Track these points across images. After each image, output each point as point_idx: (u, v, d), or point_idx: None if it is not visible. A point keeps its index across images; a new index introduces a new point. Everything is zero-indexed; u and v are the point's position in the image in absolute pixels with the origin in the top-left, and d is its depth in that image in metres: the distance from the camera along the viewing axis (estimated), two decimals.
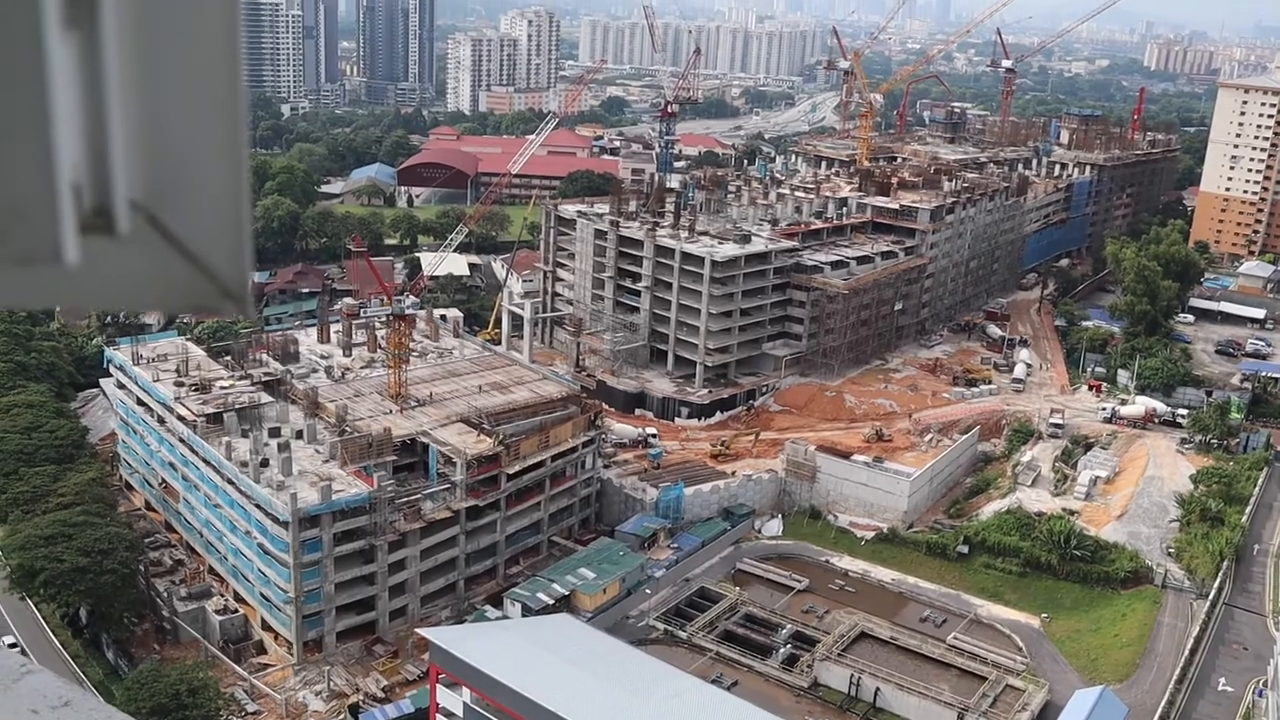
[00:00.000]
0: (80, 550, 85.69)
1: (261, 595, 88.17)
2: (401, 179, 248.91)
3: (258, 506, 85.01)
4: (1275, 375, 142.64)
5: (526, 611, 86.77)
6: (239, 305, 2.27)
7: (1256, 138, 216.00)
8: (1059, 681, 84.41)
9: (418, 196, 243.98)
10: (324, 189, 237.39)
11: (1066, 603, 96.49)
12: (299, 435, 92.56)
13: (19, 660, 4.06)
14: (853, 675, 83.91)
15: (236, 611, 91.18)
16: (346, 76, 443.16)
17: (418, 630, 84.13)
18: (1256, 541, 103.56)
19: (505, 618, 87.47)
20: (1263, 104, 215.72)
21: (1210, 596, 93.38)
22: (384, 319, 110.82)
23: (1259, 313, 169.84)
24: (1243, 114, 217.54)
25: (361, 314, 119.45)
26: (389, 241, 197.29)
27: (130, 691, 76.14)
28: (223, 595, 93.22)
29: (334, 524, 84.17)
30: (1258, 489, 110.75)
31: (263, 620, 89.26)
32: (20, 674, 3.98)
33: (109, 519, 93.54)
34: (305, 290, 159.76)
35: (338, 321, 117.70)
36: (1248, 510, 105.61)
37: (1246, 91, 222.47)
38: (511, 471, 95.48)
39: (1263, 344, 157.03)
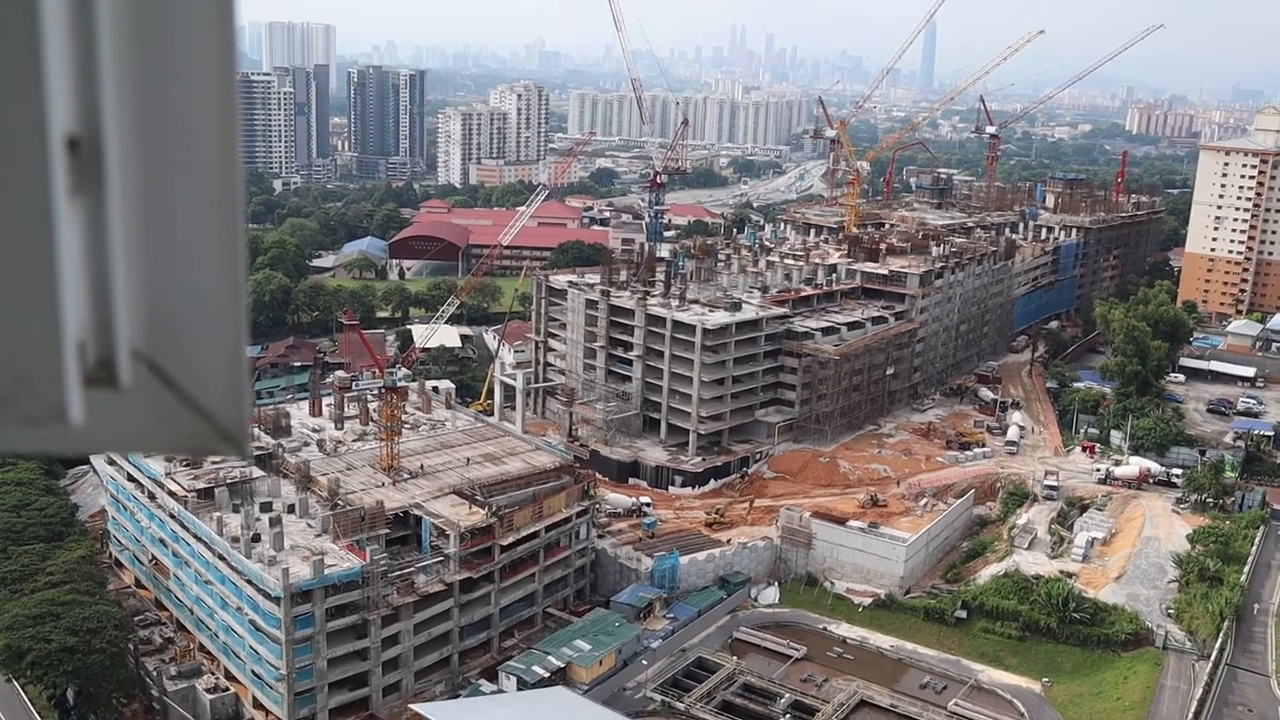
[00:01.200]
0: (68, 629, 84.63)
1: (253, 673, 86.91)
2: (393, 252, 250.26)
3: (249, 582, 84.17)
4: (1268, 433, 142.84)
5: (522, 685, 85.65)
6: (237, 447, 2.29)
7: (1239, 198, 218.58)
8: None
9: (409, 269, 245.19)
10: (315, 263, 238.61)
11: (1067, 666, 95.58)
12: (291, 509, 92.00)
13: None
14: None
15: (228, 690, 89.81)
16: (338, 151, 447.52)
17: (412, 706, 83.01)
18: (1256, 601, 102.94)
19: (500, 691, 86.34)
20: (1244, 165, 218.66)
21: (1212, 658, 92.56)
22: (376, 391, 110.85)
23: (1249, 371, 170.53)
24: (1224, 175, 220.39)
25: (353, 387, 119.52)
26: (381, 314, 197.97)
27: None
28: (213, 673, 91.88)
29: (326, 599, 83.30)
30: (1255, 548, 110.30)
31: (254, 698, 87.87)
32: None
33: (98, 597, 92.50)
34: (297, 364, 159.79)
35: (329, 394, 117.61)
36: (1246, 569, 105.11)
37: (1227, 153, 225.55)
38: (505, 543, 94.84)
39: (1254, 402, 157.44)
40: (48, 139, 1.88)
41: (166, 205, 2.03)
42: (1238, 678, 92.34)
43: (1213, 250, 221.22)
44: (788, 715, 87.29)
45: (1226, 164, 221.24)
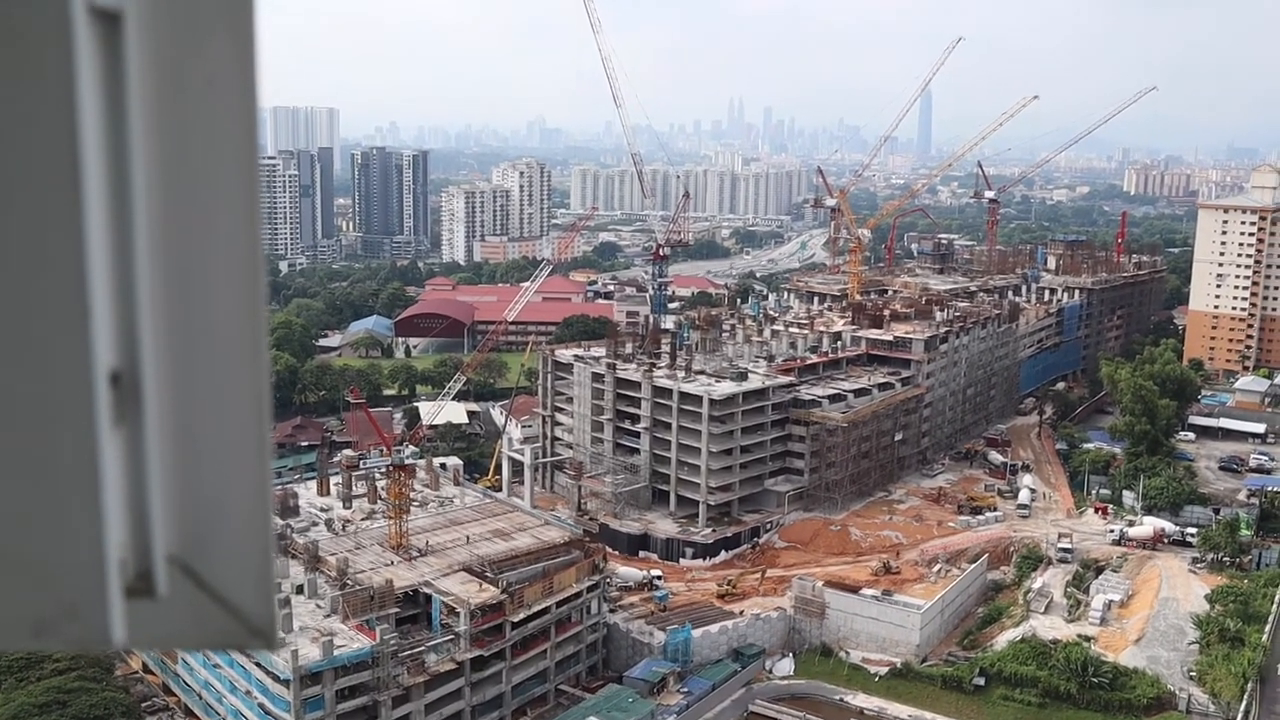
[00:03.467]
0: (75, 717, 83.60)
1: None
2: (399, 330, 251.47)
3: (258, 665, 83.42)
4: None
5: None
6: (267, 642, 2.35)
7: (1240, 255, 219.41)
8: None
9: (415, 347, 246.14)
10: (322, 342, 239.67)
11: None
12: (299, 590, 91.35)
13: None
14: None
15: None
16: (343, 232, 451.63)
17: None
18: (1279, 661, 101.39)
19: None
20: (1243, 222, 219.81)
21: None
22: (384, 469, 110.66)
23: (1259, 427, 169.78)
24: (1224, 233, 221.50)
25: (361, 465, 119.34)
26: (387, 392, 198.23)
27: None
28: None
29: (336, 680, 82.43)
30: (1276, 606, 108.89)
31: None
32: None
33: (105, 684, 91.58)
34: (304, 443, 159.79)
35: (337, 473, 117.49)
36: (1267, 629, 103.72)
37: (1226, 211, 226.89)
38: (516, 620, 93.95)
39: (1266, 458, 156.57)
40: (93, 375, 2.03)
41: (199, 425, 2.19)
42: None
43: (1216, 307, 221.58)
44: None
45: (1226, 221, 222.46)
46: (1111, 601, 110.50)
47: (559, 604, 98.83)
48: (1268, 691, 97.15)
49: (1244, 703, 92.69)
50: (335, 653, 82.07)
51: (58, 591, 2.14)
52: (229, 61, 2.11)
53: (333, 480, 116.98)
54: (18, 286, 2.00)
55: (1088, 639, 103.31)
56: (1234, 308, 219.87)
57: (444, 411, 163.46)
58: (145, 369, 2.12)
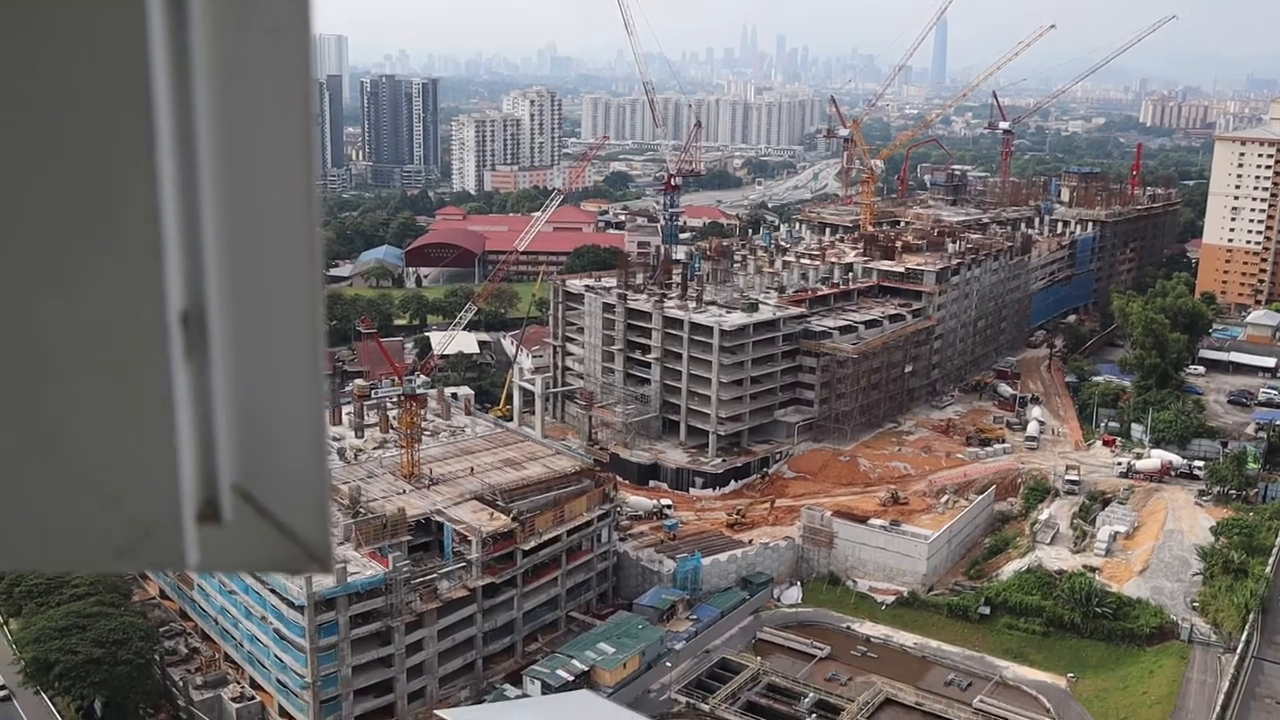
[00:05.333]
0: (95, 641, 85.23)
1: (278, 681, 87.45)
2: (409, 260, 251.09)
3: (273, 591, 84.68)
4: None
5: (546, 689, 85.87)
6: (323, 566, 2.52)
7: (1256, 188, 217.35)
8: None
9: (426, 276, 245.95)
10: (332, 272, 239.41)
11: (1092, 661, 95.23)
12: None
13: None
14: None
15: (253, 698, 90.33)
16: (352, 161, 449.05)
17: (437, 712, 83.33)
18: None
19: (525, 696, 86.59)
20: (1260, 155, 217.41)
21: (1238, 650, 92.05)
22: (395, 399, 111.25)
23: (1269, 361, 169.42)
24: (1240, 165, 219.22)
25: (372, 395, 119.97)
26: (398, 322, 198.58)
27: None
28: (239, 682, 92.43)
29: (350, 607, 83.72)
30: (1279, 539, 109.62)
31: (280, 707, 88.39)
32: None
33: (123, 609, 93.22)
34: None
35: (349, 403, 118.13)
36: (1270, 561, 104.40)
37: (1243, 144, 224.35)
38: (527, 548, 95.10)
39: (1276, 393, 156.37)
40: (168, 316, 2.22)
41: (259, 361, 2.35)
42: (1264, 670, 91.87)
43: (1230, 241, 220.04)
44: (813, 715, 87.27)
45: (1242, 154, 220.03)
46: (1117, 533, 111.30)
47: (570, 532, 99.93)
48: (1269, 622, 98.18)
49: (1245, 633, 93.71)
50: (349, 579, 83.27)
51: (137, 517, 2.31)
52: (289, 13, 2.23)
53: (344, 410, 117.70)
54: (100, 239, 2.20)
55: (1093, 570, 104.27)
56: (1248, 241, 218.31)
57: (455, 341, 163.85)
58: (210, 309, 2.28)
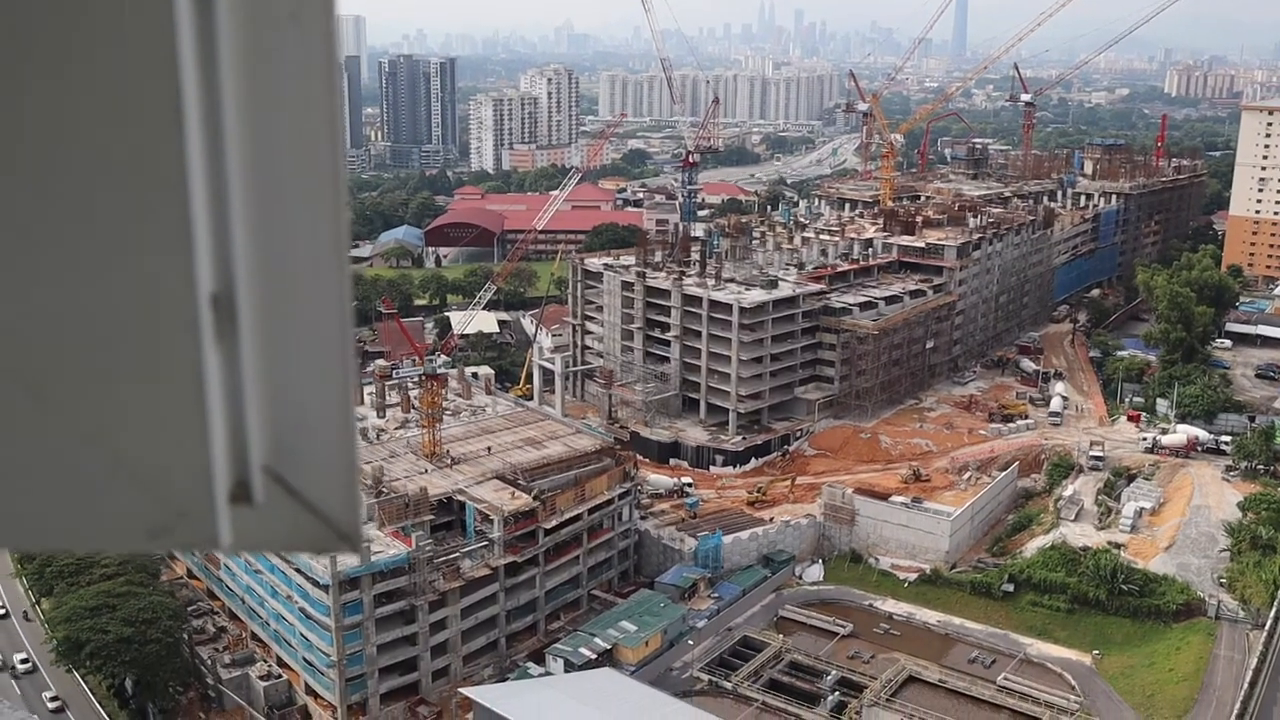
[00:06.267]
0: (124, 621, 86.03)
1: (304, 660, 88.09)
2: (429, 240, 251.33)
3: (298, 571, 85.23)
4: None
5: (569, 667, 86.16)
6: (353, 546, 2.50)
7: None
8: (1114, 719, 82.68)
9: (445, 256, 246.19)
10: (352, 253, 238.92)
11: (1118, 638, 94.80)
12: None
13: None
14: None
15: (280, 677, 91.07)
16: (371, 142, 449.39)
17: (461, 690, 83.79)
18: None
19: (548, 674, 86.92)
20: None
21: (1267, 627, 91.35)
22: (416, 379, 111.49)
23: None
24: (1268, 136, 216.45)
25: (394, 375, 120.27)
26: (418, 302, 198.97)
27: None
28: (266, 661, 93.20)
29: (374, 586, 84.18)
30: None
31: (306, 685, 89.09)
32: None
33: (151, 588, 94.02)
34: None
35: (370, 383, 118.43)
36: None
37: (1270, 113, 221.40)
38: (549, 526, 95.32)
39: None
40: (198, 299, 2.26)
41: (288, 343, 2.36)
42: None
43: (1258, 212, 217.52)
44: (835, 692, 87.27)
45: (1270, 124, 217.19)
46: (1143, 509, 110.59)
47: (591, 511, 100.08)
48: None
49: (1274, 609, 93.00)
50: (373, 559, 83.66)
51: (170, 498, 2.35)
52: None
53: (366, 390, 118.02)
54: (132, 227, 2.23)
55: (1118, 546, 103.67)
56: (1276, 213, 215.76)
57: (475, 321, 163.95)
58: (240, 291, 2.31)
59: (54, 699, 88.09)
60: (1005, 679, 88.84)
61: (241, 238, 2.29)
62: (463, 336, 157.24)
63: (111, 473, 2.32)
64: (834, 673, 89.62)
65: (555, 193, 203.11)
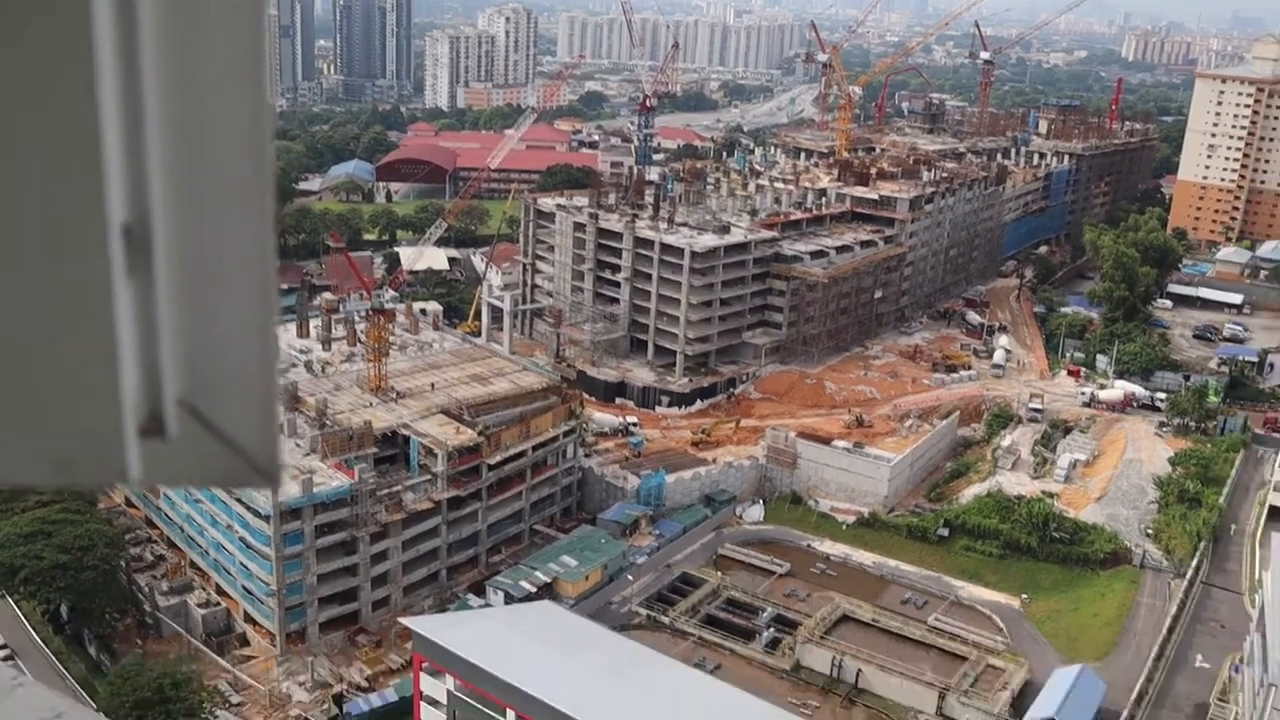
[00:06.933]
0: (60, 547, 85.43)
1: (244, 588, 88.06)
2: (380, 175, 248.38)
3: (239, 500, 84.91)
4: (1252, 359, 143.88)
5: (509, 599, 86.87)
6: (271, 481, 2.47)
7: (1234, 127, 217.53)
8: (1039, 660, 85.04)
9: (396, 192, 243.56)
10: (302, 186, 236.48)
11: (1046, 583, 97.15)
12: (279, 429, 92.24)
13: (10, 673, 4.18)
14: (835, 657, 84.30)
15: (219, 605, 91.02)
16: (323, 75, 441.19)
17: (401, 620, 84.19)
18: (1233, 522, 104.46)
19: (488, 606, 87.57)
20: (1239, 94, 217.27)
21: (1188, 576, 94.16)
22: (363, 313, 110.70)
23: (1236, 298, 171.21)
24: (1220, 103, 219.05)
25: (341, 309, 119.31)
26: (368, 237, 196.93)
27: (114, 686, 75.91)
28: (204, 589, 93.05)
29: (315, 517, 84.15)
30: (1234, 470, 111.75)
31: (245, 613, 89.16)
32: (11, 687, 4.17)
33: (89, 515, 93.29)
34: (284, 286, 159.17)
35: (317, 316, 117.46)
36: (1225, 491, 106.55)
37: (1224, 81, 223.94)
38: (493, 462, 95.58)
39: (1240, 329, 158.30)
40: (109, 229, 2.15)
41: (206, 275, 2.30)
42: (1212, 595, 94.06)
43: (1205, 178, 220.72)
44: (771, 629, 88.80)
45: (1222, 92, 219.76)
46: (1077, 461, 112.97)
47: (535, 448, 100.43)
48: (1219, 550, 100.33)
49: (1195, 560, 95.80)
50: (315, 490, 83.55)
51: (78, 430, 2.27)
52: None
53: (312, 323, 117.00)
54: (38, 150, 2.12)
55: (1051, 495, 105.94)
56: (1223, 179, 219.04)
57: (424, 257, 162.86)
58: (155, 222, 2.22)
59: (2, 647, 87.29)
60: (936, 620, 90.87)
61: (158, 166, 2.19)
62: (412, 272, 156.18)
63: (15, 404, 2.24)
64: (770, 610, 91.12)
65: (510, 132, 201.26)
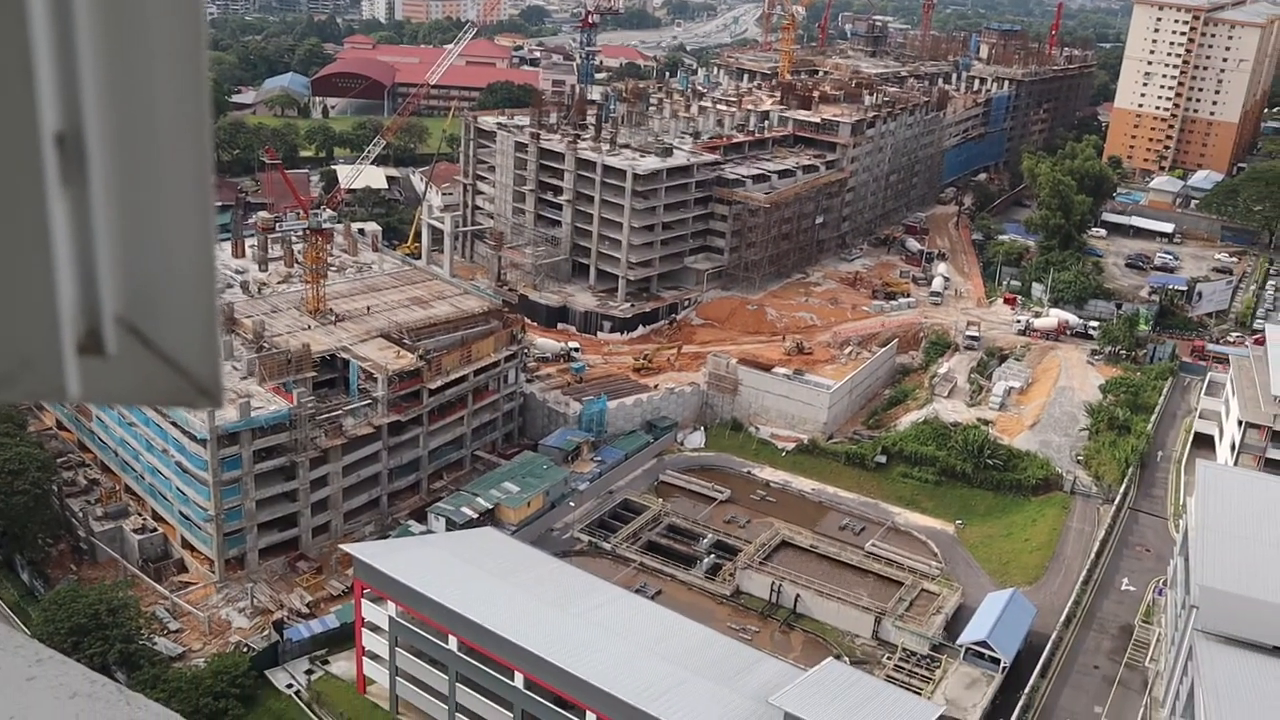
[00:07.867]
0: None
1: (181, 514, 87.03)
2: (316, 89, 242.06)
3: (174, 424, 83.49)
4: (1181, 288, 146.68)
5: (450, 526, 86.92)
6: (213, 400, 2.41)
7: (1169, 55, 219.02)
8: (972, 585, 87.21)
9: (333, 107, 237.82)
10: (235, 99, 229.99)
11: (980, 509, 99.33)
12: None
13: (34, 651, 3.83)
14: (774, 583, 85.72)
15: (155, 530, 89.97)
16: None
17: (341, 546, 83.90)
18: (1160, 449, 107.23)
19: (429, 532, 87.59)
20: (1176, 21, 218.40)
21: (1116, 501, 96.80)
22: (300, 233, 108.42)
23: (1168, 227, 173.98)
24: (1156, 31, 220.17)
25: (277, 228, 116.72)
26: (304, 154, 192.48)
27: (48, 613, 75.04)
28: (140, 514, 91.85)
29: (253, 441, 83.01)
30: (1163, 398, 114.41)
31: (183, 539, 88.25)
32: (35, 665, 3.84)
33: (19, 439, 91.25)
34: (218, 203, 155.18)
35: (253, 236, 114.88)
36: (1153, 419, 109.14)
37: (1161, 9, 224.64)
38: (433, 387, 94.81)
39: (1171, 258, 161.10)
40: (40, 137, 2.11)
41: (143, 188, 2.23)
42: (1139, 520, 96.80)
43: (1140, 106, 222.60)
44: (711, 555, 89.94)
45: (1159, 19, 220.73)
46: (1012, 388, 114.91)
47: (476, 373, 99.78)
48: (1146, 476, 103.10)
49: (1123, 486, 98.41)
50: (252, 414, 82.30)
51: (13, 346, 2.23)
52: None
53: (248, 242, 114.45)
54: None
55: (986, 423, 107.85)
56: (1157, 107, 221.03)
57: (362, 175, 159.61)
58: (89, 131, 2.17)
59: None
60: (873, 545, 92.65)
61: (91, 73, 2.13)
62: (350, 191, 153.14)
63: None
64: (710, 536, 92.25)
65: (450, 46, 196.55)
